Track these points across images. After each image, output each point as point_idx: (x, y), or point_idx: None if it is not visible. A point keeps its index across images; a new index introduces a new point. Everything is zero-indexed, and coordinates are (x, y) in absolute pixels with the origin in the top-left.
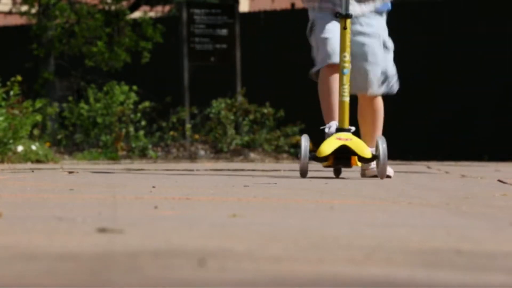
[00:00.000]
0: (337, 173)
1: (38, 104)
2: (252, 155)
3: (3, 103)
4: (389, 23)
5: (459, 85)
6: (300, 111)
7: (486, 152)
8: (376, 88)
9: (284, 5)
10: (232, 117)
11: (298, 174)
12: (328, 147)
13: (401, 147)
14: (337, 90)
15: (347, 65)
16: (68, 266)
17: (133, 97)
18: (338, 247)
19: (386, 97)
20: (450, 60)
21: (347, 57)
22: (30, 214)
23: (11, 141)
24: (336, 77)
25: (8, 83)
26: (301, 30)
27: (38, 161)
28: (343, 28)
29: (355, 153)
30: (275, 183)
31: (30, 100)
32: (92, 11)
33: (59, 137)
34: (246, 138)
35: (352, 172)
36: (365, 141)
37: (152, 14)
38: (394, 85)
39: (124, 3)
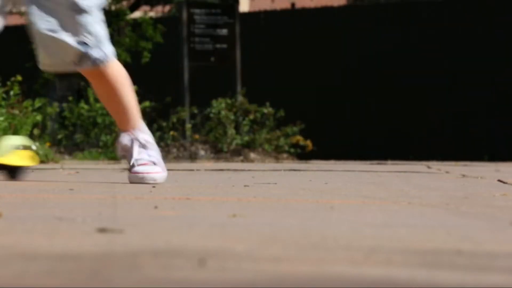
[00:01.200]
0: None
1: (38, 104)
2: (252, 155)
3: (3, 103)
4: (389, 24)
5: (459, 85)
6: (300, 111)
7: (486, 152)
8: (84, 60)
9: (284, 5)
10: (232, 117)
11: (298, 174)
12: None
13: (401, 147)
14: None
15: None
16: (68, 266)
17: None
18: (338, 247)
19: (383, 98)
20: (450, 60)
21: None
22: (30, 214)
23: None
24: None
25: (8, 83)
26: (301, 30)
27: None
28: None
29: None
30: (275, 183)
31: (30, 100)
32: None
33: (59, 137)
34: (246, 138)
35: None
36: (121, 123)
37: (152, 14)
38: (106, 51)
39: (124, 3)
